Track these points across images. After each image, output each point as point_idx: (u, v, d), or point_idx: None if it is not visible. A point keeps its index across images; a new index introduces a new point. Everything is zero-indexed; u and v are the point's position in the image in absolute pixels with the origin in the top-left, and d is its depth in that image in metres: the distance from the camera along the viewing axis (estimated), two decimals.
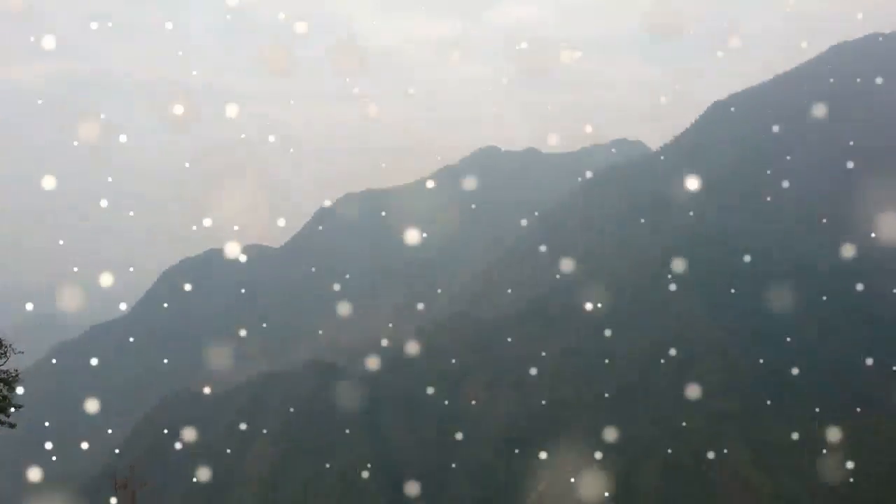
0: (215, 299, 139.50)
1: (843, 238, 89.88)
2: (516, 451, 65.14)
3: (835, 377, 62.40)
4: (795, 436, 53.38)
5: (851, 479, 47.67)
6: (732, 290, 76.39)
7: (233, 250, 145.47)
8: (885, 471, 48.77)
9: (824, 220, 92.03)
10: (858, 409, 54.90)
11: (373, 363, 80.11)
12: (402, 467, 65.09)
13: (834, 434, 52.79)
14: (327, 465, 65.24)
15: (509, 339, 77.36)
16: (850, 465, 47.35)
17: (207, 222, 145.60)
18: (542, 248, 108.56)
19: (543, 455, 64.12)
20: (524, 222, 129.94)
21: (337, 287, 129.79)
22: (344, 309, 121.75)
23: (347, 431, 68.96)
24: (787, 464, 53.16)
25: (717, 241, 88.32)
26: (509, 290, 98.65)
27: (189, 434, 73.46)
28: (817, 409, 56.18)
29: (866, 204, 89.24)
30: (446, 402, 66.95)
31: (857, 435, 50.74)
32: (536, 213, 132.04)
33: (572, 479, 58.93)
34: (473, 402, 67.99)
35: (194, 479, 67.64)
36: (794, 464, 52.37)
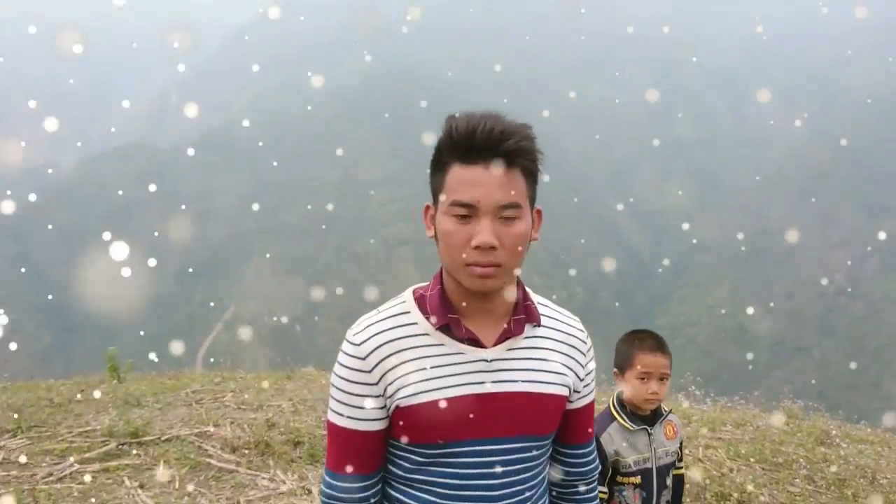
0: None
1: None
2: (200, 281, 64.15)
3: None
4: None
5: None
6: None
7: None
8: None
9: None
10: None
11: (24, 195, 70.01)
12: (68, 305, 60.10)
13: None
14: None
15: (188, 170, 73.16)
16: None
17: None
18: (226, 72, 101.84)
19: (230, 282, 64.28)
20: (208, 40, 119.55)
21: None
22: None
23: None
24: None
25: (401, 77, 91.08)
26: (190, 116, 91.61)
27: None
28: None
29: None
30: (117, 237, 61.96)
31: None
32: (223, 33, 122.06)
33: (261, 301, 60.57)
34: (156, 234, 63.96)
35: None
36: None
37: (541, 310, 1.56)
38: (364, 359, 1.44)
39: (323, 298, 61.70)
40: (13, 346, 50.85)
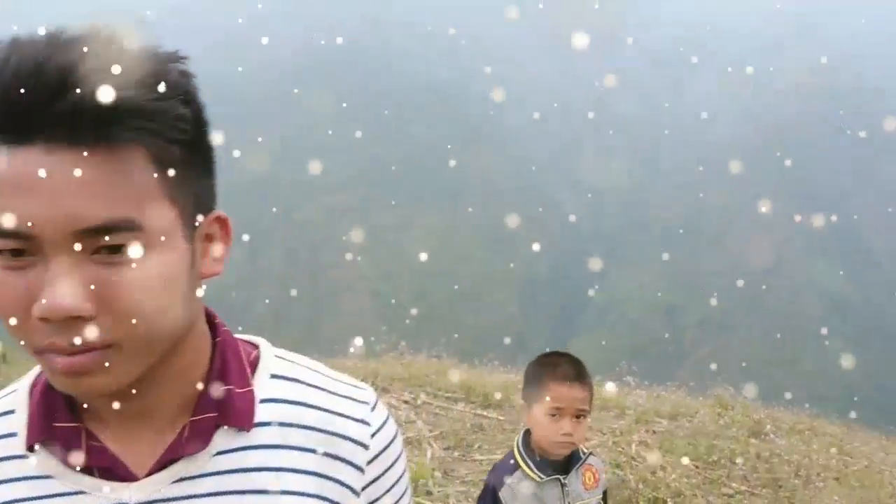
0: None
1: None
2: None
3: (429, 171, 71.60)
4: (400, 221, 60.39)
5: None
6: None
7: None
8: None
9: None
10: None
11: None
12: None
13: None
14: None
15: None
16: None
17: None
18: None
19: None
20: None
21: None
22: None
23: None
24: (392, 244, 60.08)
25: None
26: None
27: None
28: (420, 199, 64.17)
29: None
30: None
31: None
32: None
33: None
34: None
35: None
36: (397, 243, 59.43)
37: (268, 389, 0.76)
38: None
39: (263, 265, 60.54)
40: None
